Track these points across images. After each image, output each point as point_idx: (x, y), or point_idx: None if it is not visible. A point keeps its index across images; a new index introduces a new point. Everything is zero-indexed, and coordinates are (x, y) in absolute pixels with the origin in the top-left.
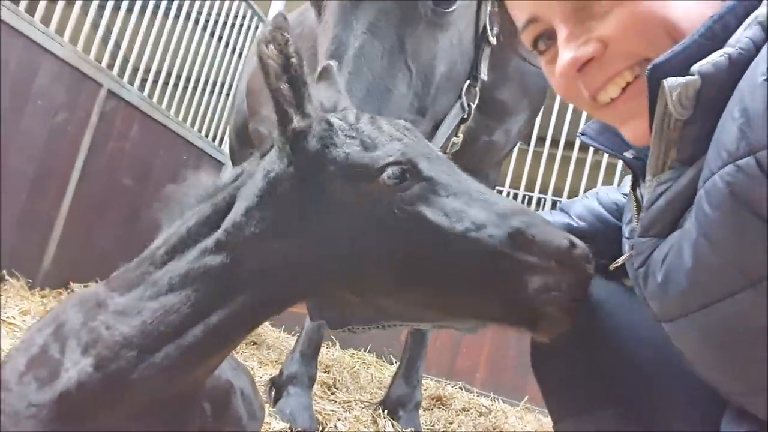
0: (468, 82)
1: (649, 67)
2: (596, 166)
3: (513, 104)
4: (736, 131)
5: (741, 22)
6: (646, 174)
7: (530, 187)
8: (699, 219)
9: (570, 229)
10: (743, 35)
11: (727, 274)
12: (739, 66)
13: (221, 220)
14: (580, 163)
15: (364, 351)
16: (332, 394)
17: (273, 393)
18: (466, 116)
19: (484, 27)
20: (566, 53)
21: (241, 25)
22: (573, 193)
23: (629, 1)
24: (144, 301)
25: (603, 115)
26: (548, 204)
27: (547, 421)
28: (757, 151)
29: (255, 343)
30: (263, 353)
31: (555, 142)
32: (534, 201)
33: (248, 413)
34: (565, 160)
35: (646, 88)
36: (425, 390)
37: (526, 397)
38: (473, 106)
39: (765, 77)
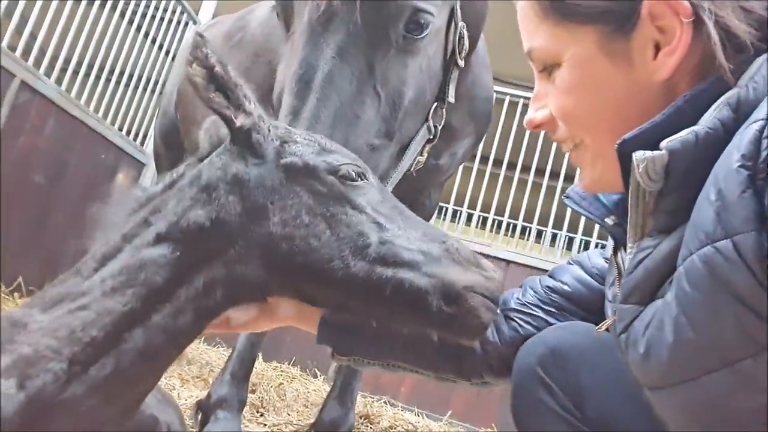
0: (435, 104)
1: (618, 142)
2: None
3: (460, 129)
4: (713, 214)
5: (713, 102)
6: (627, 241)
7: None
8: (679, 296)
9: (556, 291)
10: (713, 116)
11: (706, 352)
12: (708, 144)
13: (159, 216)
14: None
15: (288, 364)
16: (261, 416)
17: (200, 417)
18: (432, 137)
19: (453, 50)
20: (529, 110)
21: (170, 21)
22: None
23: (554, 95)
24: (72, 313)
25: (572, 159)
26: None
27: None
28: (734, 234)
29: None
30: (184, 369)
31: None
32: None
33: None
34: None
35: (586, 152)
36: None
37: (450, 412)
38: (439, 127)
39: (739, 164)
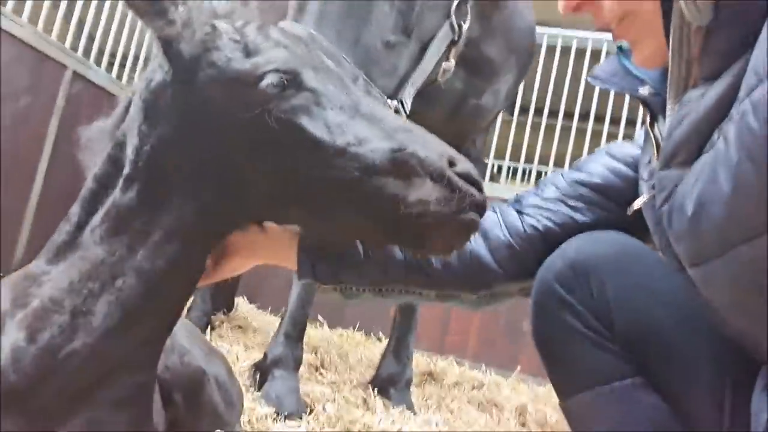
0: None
1: None
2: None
3: (500, 62)
4: None
5: None
6: (667, 101)
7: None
8: (742, 137)
9: (584, 184)
10: None
11: None
12: None
13: (125, 153)
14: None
15: (353, 329)
16: (320, 375)
17: (258, 377)
18: (456, 38)
19: None
20: None
21: None
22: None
23: None
24: (74, 265)
25: (618, 34)
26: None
27: (542, 391)
28: None
29: (240, 327)
30: (249, 337)
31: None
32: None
33: (225, 401)
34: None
35: (637, 22)
36: (416, 366)
37: (519, 368)
38: (464, 26)
39: None
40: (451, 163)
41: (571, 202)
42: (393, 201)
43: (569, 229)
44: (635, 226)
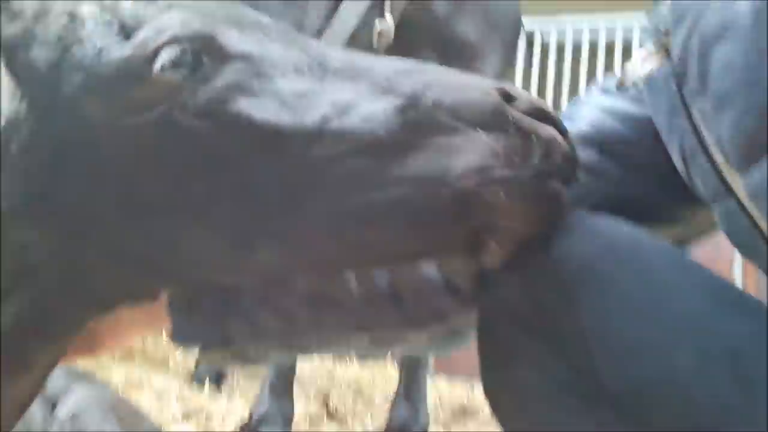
0: None
1: None
2: None
3: (480, 43)
4: None
5: None
6: None
7: None
8: None
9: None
10: None
11: None
12: None
13: None
14: None
15: (389, 362)
16: (325, 428)
17: None
18: None
19: None
20: None
21: None
22: None
23: None
24: None
25: None
26: None
27: None
28: None
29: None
30: None
31: None
32: None
33: None
34: None
35: None
36: (448, 401)
37: None
38: None
39: None
40: (508, 97)
41: None
42: (426, 184)
43: None
44: (641, 197)
